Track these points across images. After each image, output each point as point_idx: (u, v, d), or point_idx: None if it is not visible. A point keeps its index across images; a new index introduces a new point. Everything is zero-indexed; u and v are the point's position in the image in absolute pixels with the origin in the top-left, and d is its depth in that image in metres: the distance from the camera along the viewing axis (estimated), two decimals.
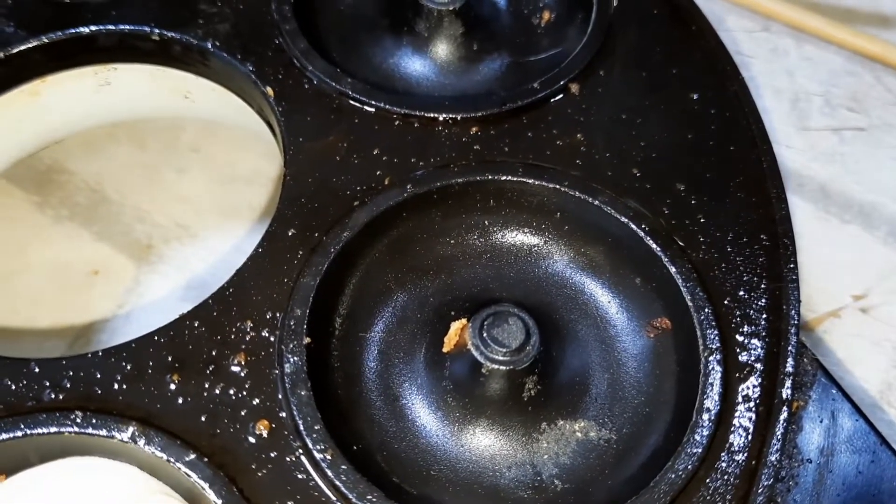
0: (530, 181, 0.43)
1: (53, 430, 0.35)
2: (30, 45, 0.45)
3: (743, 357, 0.39)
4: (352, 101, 0.45)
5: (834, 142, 0.60)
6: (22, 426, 0.35)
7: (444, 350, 0.40)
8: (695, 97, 0.46)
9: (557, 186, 0.42)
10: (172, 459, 0.35)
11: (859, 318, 0.53)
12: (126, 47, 0.47)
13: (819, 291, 0.54)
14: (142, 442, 0.35)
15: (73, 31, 0.46)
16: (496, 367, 0.38)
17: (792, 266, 0.41)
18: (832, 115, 0.61)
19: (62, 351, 0.49)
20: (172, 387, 0.37)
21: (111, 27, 0.46)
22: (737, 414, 0.38)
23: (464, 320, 0.39)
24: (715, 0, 0.65)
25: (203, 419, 0.36)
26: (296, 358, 0.37)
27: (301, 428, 0.36)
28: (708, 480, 0.37)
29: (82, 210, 0.55)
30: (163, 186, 0.56)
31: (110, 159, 0.56)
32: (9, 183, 0.55)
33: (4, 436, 0.35)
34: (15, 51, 0.45)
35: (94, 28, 0.46)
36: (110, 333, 0.50)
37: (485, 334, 0.38)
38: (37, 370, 0.37)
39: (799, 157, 0.59)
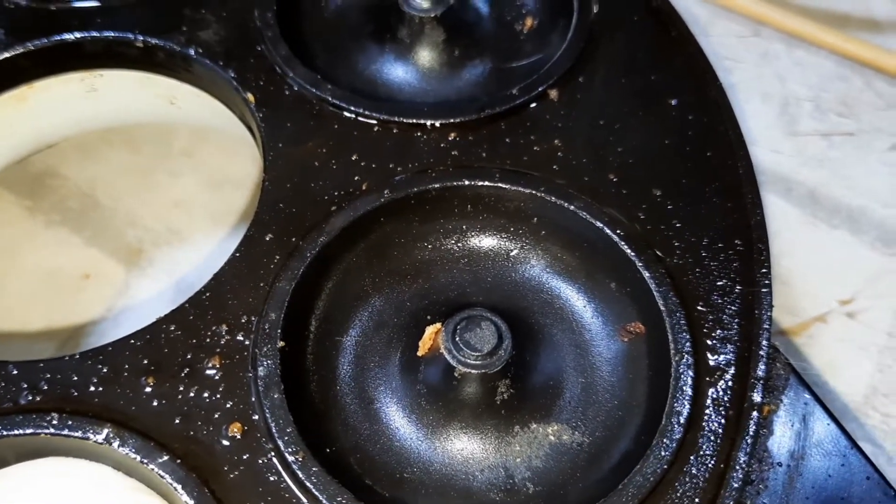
0: (507, 186, 0.43)
1: (30, 431, 0.36)
2: (17, 52, 0.46)
3: (714, 361, 0.39)
4: (331, 108, 0.45)
5: (823, 146, 0.60)
6: None
7: (419, 354, 0.40)
8: (673, 103, 0.46)
9: (534, 192, 0.43)
10: (146, 461, 0.36)
11: (846, 322, 0.53)
12: (111, 54, 0.48)
13: (806, 296, 0.54)
14: (116, 443, 0.36)
15: (58, 37, 0.47)
16: (468, 370, 0.38)
17: (765, 271, 0.41)
18: (822, 120, 0.61)
19: (51, 354, 0.50)
20: (148, 389, 0.38)
21: (96, 34, 0.47)
22: (706, 418, 0.38)
23: (438, 324, 0.40)
24: (704, 5, 0.65)
25: (177, 421, 0.37)
26: (269, 361, 0.38)
27: (273, 430, 0.36)
28: (677, 483, 0.37)
29: (74, 214, 0.55)
30: (154, 191, 0.56)
31: (103, 164, 0.57)
32: (0, 187, 0.56)
33: None
34: (1, 57, 0.46)
35: (79, 35, 0.47)
36: (99, 336, 0.51)
37: (457, 338, 0.39)
38: (14, 372, 0.38)
39: (787, 161, 0.59)
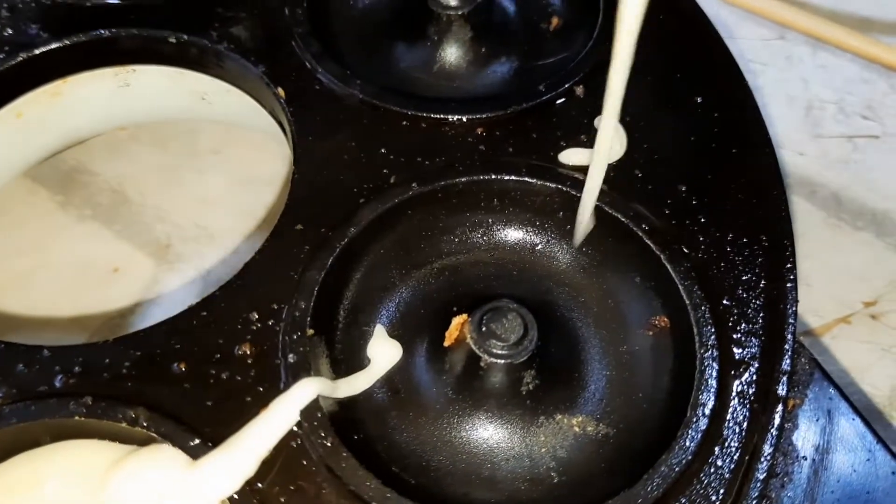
0: (533, 181, 0.43)
1: (64, 414, 0.37)
2: (52, 47, 0.47)
3: (739, 355, 0.40)
4: (360, 103, 0.46)
5: (847, 149, 0.60)
6: (34, 410, 0.37)
7: (445, 344, 0.40)
8: (698, 100, 0.46)
9: (560, 187, 0.43)
10: (177, 444, 0.36)
11: (869, 324, 0.53)
12: (145, 49, 0.48)
13: (829, 297, 0.54)
14: (148, 427, 0.36)
15: (94, 33, 0.47)
16: (494, 360, 0.39)
17: (790, 266, 0.41)
18: (846, 123, 0.62)
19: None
20: (179, 374, 0.38)
21: (130, 30, 0.48)
22: (731, 410, 0.38)
23: (464, 315, 0.40)
24: (730, 8, 0.66)
25: (208, 405, 0.37)
26: (299, 348, 0.38)
27: (302, 416, 0.37)
28: (701, 475, 0.37)
29: (104, 210, 0.56)
30: (183, 187, 0.57)
31: (132, 161, 0.58)
32: (34, 182, 0.57)
33: (17, 419, 0.37)
34: (38, 52, 0.47)
35: (114, 30, 0.48)
36: (128, 329, 0.52)
37: (484, 329, 0.39)
38: (49, 356, 0.38)
39: (811, 164, 0.60)
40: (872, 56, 0.63)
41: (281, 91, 0.46)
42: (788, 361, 0.39)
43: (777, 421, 0.38)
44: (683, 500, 0.37)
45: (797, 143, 0.60)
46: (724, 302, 0.41)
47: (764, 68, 0.64)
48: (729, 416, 0.38)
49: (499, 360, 0.39)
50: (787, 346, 0.39)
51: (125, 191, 0.57)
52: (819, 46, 0.64)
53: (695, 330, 0.40)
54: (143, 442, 0.37)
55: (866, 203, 0.58)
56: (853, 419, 0.40)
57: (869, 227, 0.57)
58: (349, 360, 0.41)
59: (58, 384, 0.38)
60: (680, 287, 0.40)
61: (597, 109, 0.46)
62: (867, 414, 0.49)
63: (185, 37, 0.48)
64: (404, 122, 0.45)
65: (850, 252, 0.56)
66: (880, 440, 0.39)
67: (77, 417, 0.37)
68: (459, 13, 0.48)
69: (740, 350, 0.40)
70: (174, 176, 0.58)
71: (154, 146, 0.59)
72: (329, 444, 0.36)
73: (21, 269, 0.53)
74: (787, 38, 0.65)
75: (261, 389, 0.38)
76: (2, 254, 0.54)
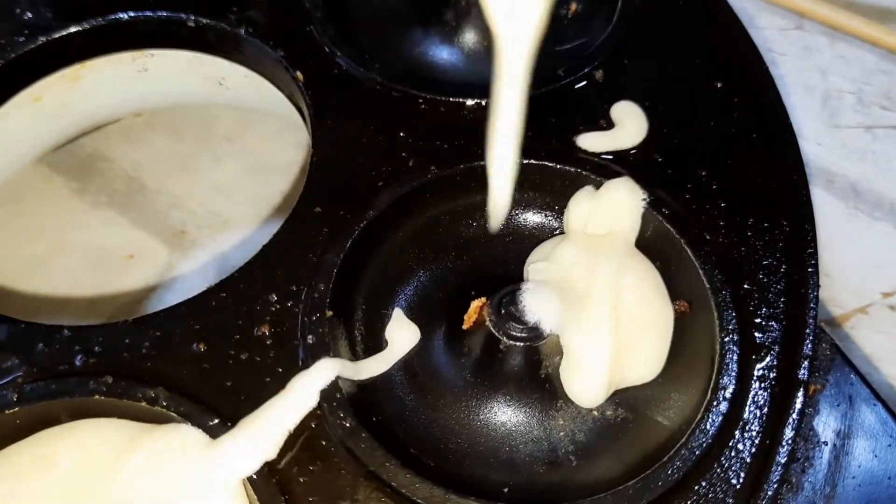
0: (552, 165, 0.43)
1: (84, 393, 0.37)
2: (71, 31, 0.47)
3: (760, 339, 0.39)
4: (378, 87, 0.46)
5: (866, 139, 0.60)
6: (54, 388, 0.37)
7: (464, 327, 0.40)
8: (718, 86, 0.46)
9: (579, 171, 0.43)
10: (196, 424, 0.36)
11: (888, 315, 0.53)
12: (163, 34, 0.48)
13: (847, 288, 0.54)
14: (167, 406, 0.36)
15: (112, 17, 0.47)
16: (513, 343, 0.38)
17: (811, 251, 0.41)
18: (865, 113, 0.61)
19: None
20: (199, 354, 0.38)
21: (149, 14, 0.48)
22: (752, 394, 0.38)
23: (483, 298, 0.40)
24: None
25: (228, 385, 0.37)
26: (318, 329, 0.38)
27: (321, 397, 0.37)
28: (722, 458, 0.37)
29: (120, 196, 0.56)
30: (198, 175, 0.57)
31: (148, 148, 0.58)
32: (50, 169, 0.57)
33: (37, 398, 0.37)
34: (57, 35, 0.47)
35: (132, 14, 0.48)
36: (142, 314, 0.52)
37: (503, 311, 0.39)
38: (69, 336, 0.38)
39: (829, 154, 0.59)
40: (891, 46, 0.62)
41: (300, 75, 0.46)
42: (810, 346, 0.39)
43: (798, 405, 0.38)
44: (704, 484, 0.36)
45: (815, 134, 0.60)
46: (746, 286, 0.41)
47: (782, 58, 0.63)
48: (750, 401, 0.38)
49: (518, 343, 0.38)
50: (808, 331, 0.39)
51: (141, 178, 0.57)
52: (837, 36, 0.64)
53: (715, 314, 0.39)
54: (163, 421, 0.37)
55: (885, 194, 0.57)
56: (875, 405, 0.39)
57: (887, 217, 0.56)
58: (368, 343, 0.41)
59: (78, 363, 0.38)
60: (700, 271, 0.40)
61: (616, 94, 0.46)
62: (885, 404, 0.49)
63: (204, 20, 0.48)
64: (423, 106, 0.45)
65: (868, 243, 0.56)
66: None
67: (97, 396, 0.37)
68: None
69: (761, 334, 0.39)
70: (189, 163, 0.58)
71: (170, 133, 0.59)
72: (348, 425, 0.36)
73: (37, 254, 0.53)
74: (805, 28, 0.65)
75: (280, 370, 0.38)
76: (18, 239, 0.54)
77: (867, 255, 0.55)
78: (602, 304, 0.39)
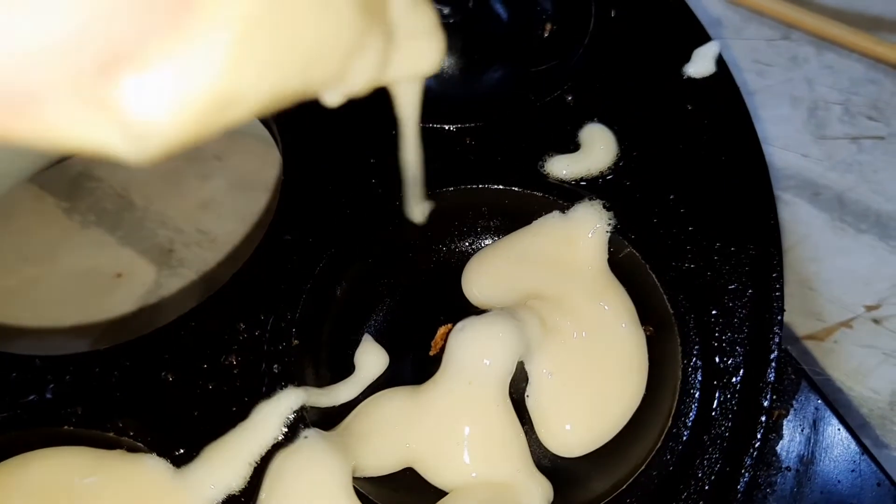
0: (521, 190, 0.43)
1: (54, 423, 0.38)
2: None
3: (723, 364, 0.39)
4: (349, 110, 0.46)
5: (852, 150, 0.60)
6: (25, 418, 0.38)
7: (431, 353, 0.41)
8: (689, 108, 0.46)
9: (547, 196, 0.43)
10: (162, 455, 0.37)
11: (872, 328, 0.53)
12: None
13: (832, 301, 0.54)
14: (134, 437, 0.37)
15: None
16: None
17: (776, 275, 0.41)
18: (851, 124, 0.61)
19: (84, 350, 0.52)
20: (167, 383, 0.39)
21: None
22: (714, 421, 0.38)
23: (449, 325, 0.41)
24: (735, 9, 0.65)
25: (195, 414, 0.38)
26: (284, 358, 0.39)
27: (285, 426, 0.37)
28: (681, 486, 0.37)
29: (109, 215, 0.57)
30: (185, 193, 0.58)
31: (136, 167, 0.59)
32: (40, 189, 0.57)
33: (8, 427, 0.37)
34: None
35: None
36: (130, 334, 0.52)
37: None
38: (40, 366, 0.39)
39: (815, 166, 0.59)
40: (879, 56, 0.62)
41: None
42: (773, 372, 0.39)
43: (761, 432, 0.38)
44: None
45: (801, 145, 0.60)
46: (711, 311, 0.41)
47: (768, 69, 0.63)
48: (712, 428, 0.38)
49: None
50: (771, 357, 0.39)
51: (130, 196, 0.58)
52: (824, 46, 0.64)
53: (678, 340, 0.39)
54: (131, 450, 0.37)
55: (871, 205, 0.57)
56: (839, 429, 0.39)
57: (873, 229, 0.56)
58: (335, 369, 0.42)
59: (49, 394, 0.38)
60: (665, 297, 0.40)
61: (585, 116, 0.46)
62: (867, 419, 0.49)
63: None
64: (393, 131, 0.45)
65: (854, 255, 0.55)
66: (865, 451, 0.39)
67: (65, 427, 0.37)
68: (451, 21, 0.49)
69: (725, 360, 0.40)
70: (177, 181, 0.58)
71: None
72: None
73: (26, 275, 0.54)
74: (793, 38, 0.64)
75: (245, 399, 0.38)
76: (8, 260, 0.55)
77: (852, 268, 0.55)
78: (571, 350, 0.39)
